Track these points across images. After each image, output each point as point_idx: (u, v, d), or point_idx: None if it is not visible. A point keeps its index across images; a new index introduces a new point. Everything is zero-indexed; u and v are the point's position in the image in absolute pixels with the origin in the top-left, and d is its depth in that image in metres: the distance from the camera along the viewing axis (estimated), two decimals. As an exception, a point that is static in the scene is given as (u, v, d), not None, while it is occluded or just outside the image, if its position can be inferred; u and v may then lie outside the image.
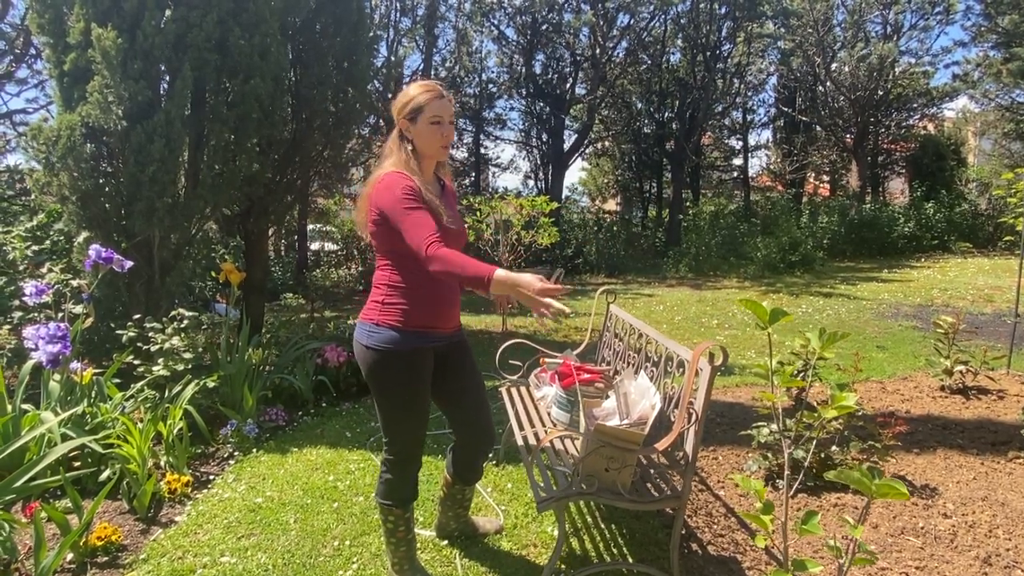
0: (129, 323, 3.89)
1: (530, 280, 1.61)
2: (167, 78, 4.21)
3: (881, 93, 16.07)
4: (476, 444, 2.24)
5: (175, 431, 3.16)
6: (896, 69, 16.01)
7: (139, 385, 3.60)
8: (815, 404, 2.69)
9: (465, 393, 2.16)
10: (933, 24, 15.96)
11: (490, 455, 3.38)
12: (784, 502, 1.53)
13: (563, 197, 17.35)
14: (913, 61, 16.76)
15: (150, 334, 3.82)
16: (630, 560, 2.38)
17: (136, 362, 3.75)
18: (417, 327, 1.95)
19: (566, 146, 15.89)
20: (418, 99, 1.92)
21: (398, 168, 1.92)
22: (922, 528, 2.61)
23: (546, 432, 2.64)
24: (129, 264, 3.49)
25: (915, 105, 17.85)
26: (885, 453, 3.08)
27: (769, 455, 3.05)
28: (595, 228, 15.94)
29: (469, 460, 2.29)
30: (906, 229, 14.96)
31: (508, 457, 3.33)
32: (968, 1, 15.61)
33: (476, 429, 2.21)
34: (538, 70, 15.91)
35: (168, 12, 4.06)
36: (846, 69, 15.99)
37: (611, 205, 23.97)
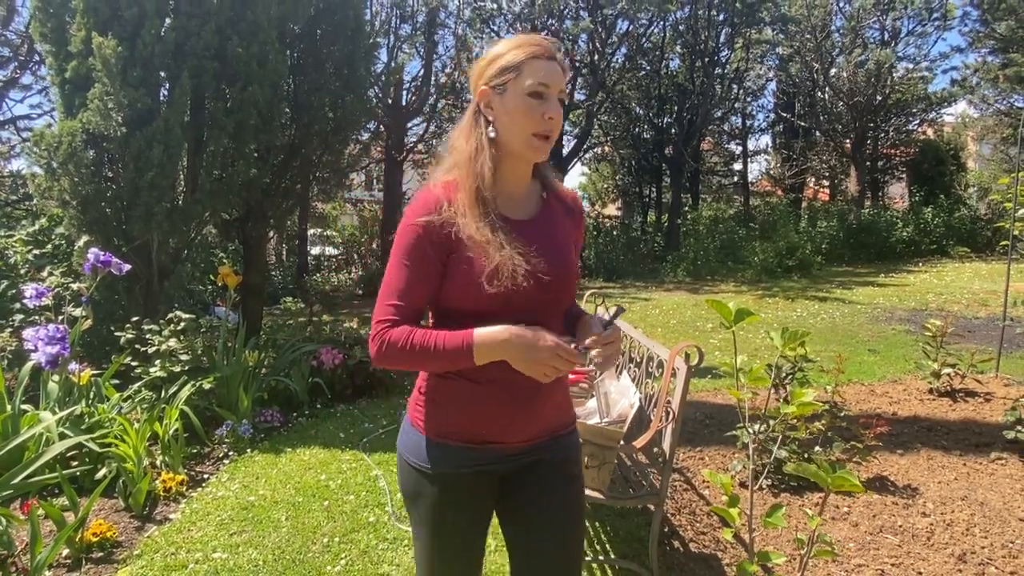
0: (127, 325, 3.96)
1: (543, 343, 1.09)
2: (166, 85, 4.30)
3: (879, 98, 16.14)
4: None
5: (171, 431, 3.23)
6: (894, 75, 16.09)
7: (136, 386, 3.67)
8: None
9: (541, 536, 1.27)
10: (931, 30, 16.05)
11: None
12: (750, 496, 1.59)
13: (563, 202, 17.38)
14: (911, 67, 16.84)
15: (148, 336, 3.89)
16: (612, 556, 2.43)
17: (134, 364, 3.82)
18: (460, 439, 1.22)
19: (565, 151, 15.97)
20: (511, 56, 1.17)
21: (451, 174, 1.22)
22: (900, 526, 2.66)
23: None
24: (127, 267, 3.57)
25: (914, 110, 17.92)
26: (867, 453, 3.13)
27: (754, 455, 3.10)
28: (595, 233, 16.01)
29: None
30: (904, 234, 15.00)
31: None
32: (965, 7, 15.72)
33: None
34: (538, 76, 16.01)
35: (168, 21, 4.15)
36: (844, 75, 16.08)
37: (611, 210, 24.05)
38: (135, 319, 4.01)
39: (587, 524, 2.70)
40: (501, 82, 1.18)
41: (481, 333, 1.11)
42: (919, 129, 19.09)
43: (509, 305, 1.14)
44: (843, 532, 2.63)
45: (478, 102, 1.21)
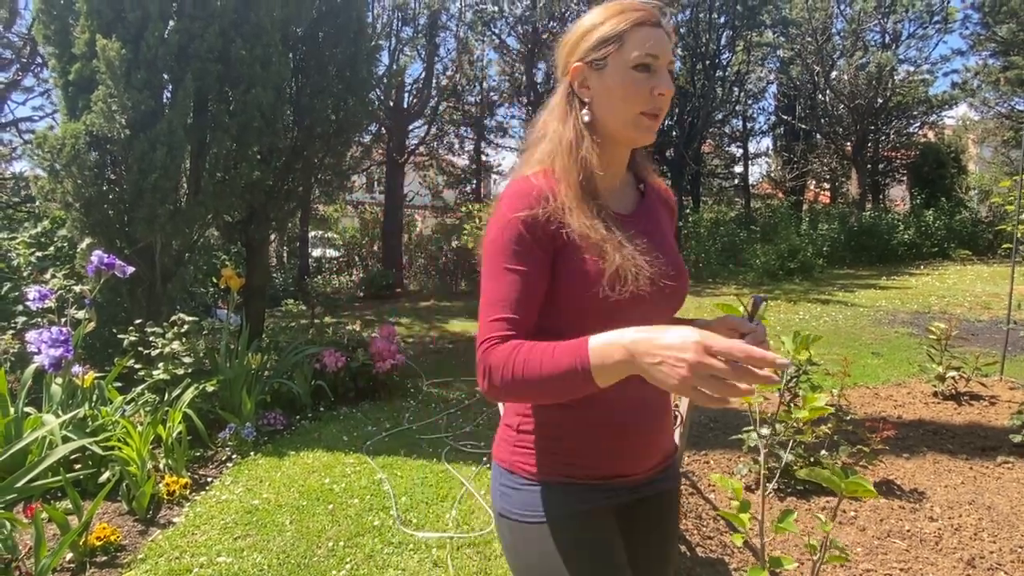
0: (130, 328, 3.95)
1: (683, 339, 0.75)
2: (170, 88, 4.30)
3: (880, 101, 16.15)
4: None
5: (174, 434, 3.22)
6: (895, 77, 16.09)
7: (139, 389, 3.66)
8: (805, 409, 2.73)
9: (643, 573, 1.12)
10: (931, 33, 16.06)
11: (484, 459, 3.43)
12: (761, 501, 1.58)
13: (564, 204, 17.40)
14: (912, 69, 16.84)
15: (151, 339, 3.88)
16: (619, 561, 2.42)
17: (137, 366, 3.81)
18: (586, 476, 1.03)
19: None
20: (611, 25, 0.99)
21: (545, 164, 1.03)
22: (908, 531, 2.65)
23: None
24: (131, 270, 3.56)
25: (915, 113, 17.92)
26: (873, 457, 3.12)
27: (759, 459, 3.08)
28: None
29: None
30: (906, 237, 14.99)
31: (502, 461, 3.37)
32: (966, 10, 15.74)
33: None
34: (539, 78, 16.02)
35: (171, 23, 4.15)
36: (845, 77, 16.08)
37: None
38: (138, 321, 4.00)
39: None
40: (600, 56, 0.99)
41: (600, 340, 0.82)
42: (920, 132, 19.09)
43: (623, 316, 0.91)
44: (850, 536, 2.61)
45: (571, 81, 1.04)
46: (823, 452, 3.05)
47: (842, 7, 16.19)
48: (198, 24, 4.15)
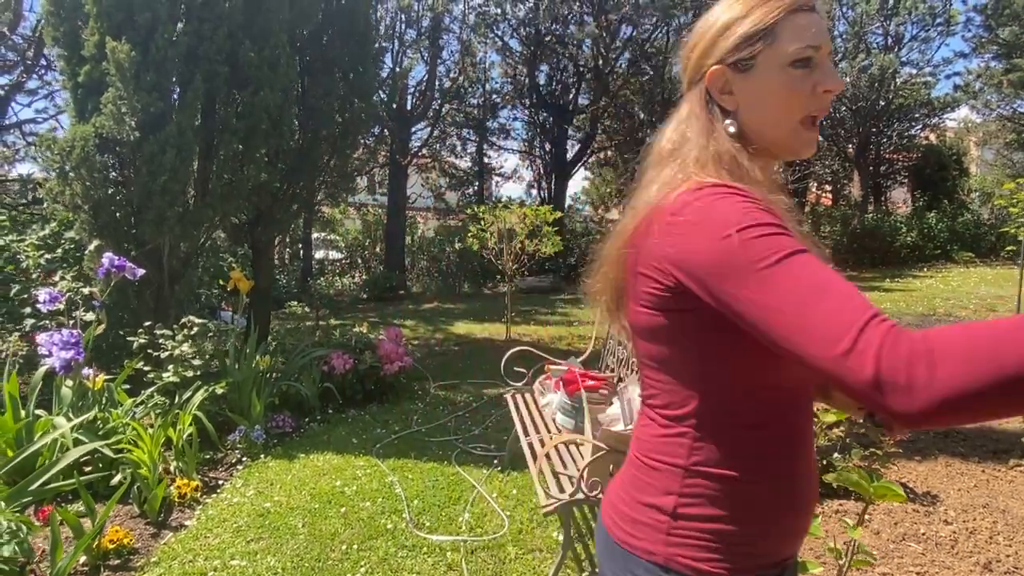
0: (140, 330, 3.95)
1: None
2: (178, 90, 4.30)
3: (883, 103, 16.15)
4: None
5: (185, 437, 3.21)
6: (897, 80, 16.10)
7: (149, 391, 3.65)
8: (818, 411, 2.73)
9: None
10: (934, 35, 16.06)
11: (495, 462, 3.43)
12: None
13: (566, 206, 17.44)
14: (914, 72, 16.85)
15: (160, 341, 3.88)
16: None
17: (146, 368, 3.81)
18: (760, 565, 0.83)
19: (569, 155, 16.00)
20: (758, 16, 0.82)
21: (702, 178, 0.79)
22: (923, 534, 2.64)
23: (551, 438, 2.68)
24: (141, 272, 3.55)
25: (916, 115, 17.92)
26: (887, 460, 3.11)
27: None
28: (598, 237, 16.02)
29: None
30: (908, 239, 14.99)
31: (513, 464, 3.36)
32: (969, 12, 15.75)
33: None
34: (542, 80, 16.04)
35: (180, 25, 4.15)
36: (847, 79, 16.07)
37: (614, 214, 24.05)
38: (147, 324, 4.00)
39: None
40: (746, 56, 0.82)
41: None
42: (922, 134, 19.10)
43: None
44: (865, 540, 2.60)
45: (707, 88, 0.85)
46: (835, 455, 3.04)
47: (844, 10, 16.22)
48: (207, 26, 4.16)
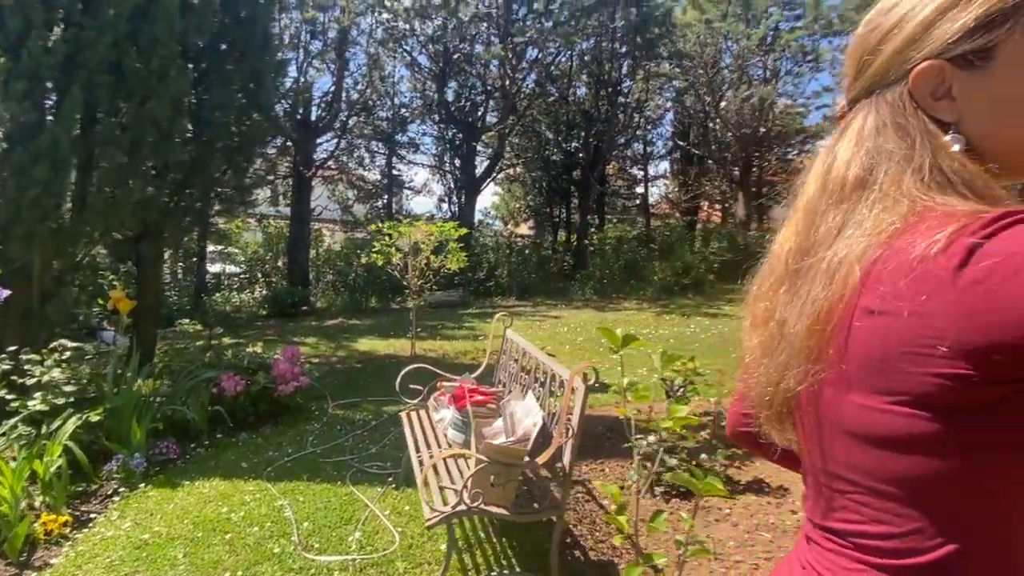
0: (2, 355, 3.66)
1: None
2: (55, 99, 4.06)
3: (763, 130, 17.71)
4: None
5: (52, 469, 3.02)
6: (775, 109, 17.72)
7: (12, 421, 3.39)
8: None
9: None
10: (805, 71, 17.86)
11: (390, 479, 3.48)
12: (635, 504, 1.77)
13: (476, 221, 17.66)
14: (790, 102, 18.62)
15: (26, 367, 3.62)
16: (517, 569, 2.55)
17: (9, 397, 3.53)
18: None
19: (478, 171, 16.26)
20: None
21: (951, 204, 0.57)
22: (773, 523, 2.98)
23: (440, 452, 2.79)
24: (6, 293, 3.32)
25: (792, 141, 19.79)
26: (746, 459, 3.47)
27: (648, 465, 3.35)
28: (507, 251, 16.33)
29: None
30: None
31: (408, 480, 3.43)
32: (834, 52, 17.66)
33: None
34: (450, 97, 16.23)
35: (58, 31, 3.93)
36: (732, 108, 17.49)
37: (523, 229, 24.59)
38: (11, 348, 3.71)
39: (494, 540, 2.82)
40: (979, 47, 0.59)
41: None
42: (798, 159, 21.10)
43: None
44: (725, 532, 2.91)
45: (911, 91, 0.63)
46: (703, 455, 3.36)
47: (729, 44, 17.66)
48: (88, 33, 3.96)
